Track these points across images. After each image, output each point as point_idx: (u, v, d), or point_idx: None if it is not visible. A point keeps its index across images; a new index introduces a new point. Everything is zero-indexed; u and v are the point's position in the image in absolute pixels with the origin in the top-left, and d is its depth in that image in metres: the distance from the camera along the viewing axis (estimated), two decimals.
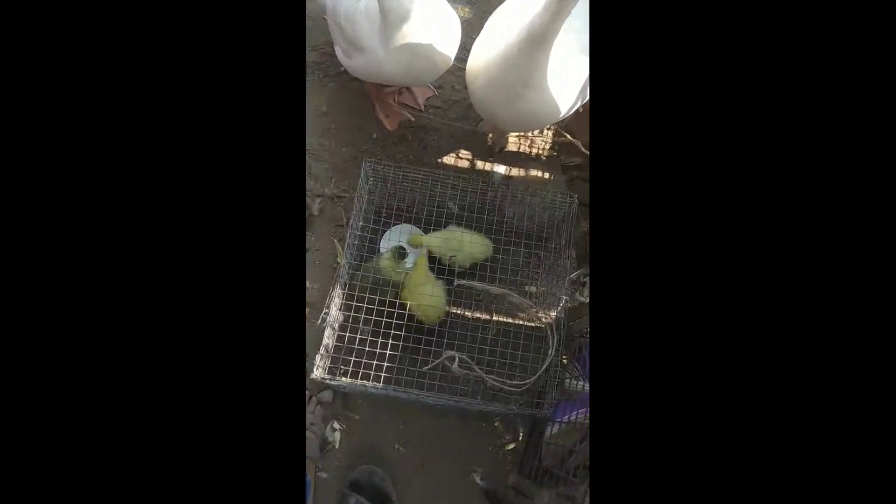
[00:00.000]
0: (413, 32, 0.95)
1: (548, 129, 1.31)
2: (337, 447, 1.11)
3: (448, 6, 1.02)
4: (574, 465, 0.99)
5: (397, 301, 1.05)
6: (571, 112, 1.02)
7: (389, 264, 1.07)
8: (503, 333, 1.09)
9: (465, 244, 1.08)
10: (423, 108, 1.33)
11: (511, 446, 1.11)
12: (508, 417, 1.13)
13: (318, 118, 1.30)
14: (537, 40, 0.82)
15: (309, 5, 1.31)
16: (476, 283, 1.08)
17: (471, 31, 1.19)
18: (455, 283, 1.09)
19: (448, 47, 1.02)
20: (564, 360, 1.05)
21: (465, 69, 1.02)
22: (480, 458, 1.10)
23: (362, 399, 1.13)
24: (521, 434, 1.13)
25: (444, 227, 1.14)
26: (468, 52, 1.01)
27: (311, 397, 1.10)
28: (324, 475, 1.08)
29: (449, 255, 1.10)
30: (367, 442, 1.11)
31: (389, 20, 0.93)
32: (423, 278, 1.07)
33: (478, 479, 1.08)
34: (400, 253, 1.10)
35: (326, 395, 1.12)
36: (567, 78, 0.93)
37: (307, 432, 1.07)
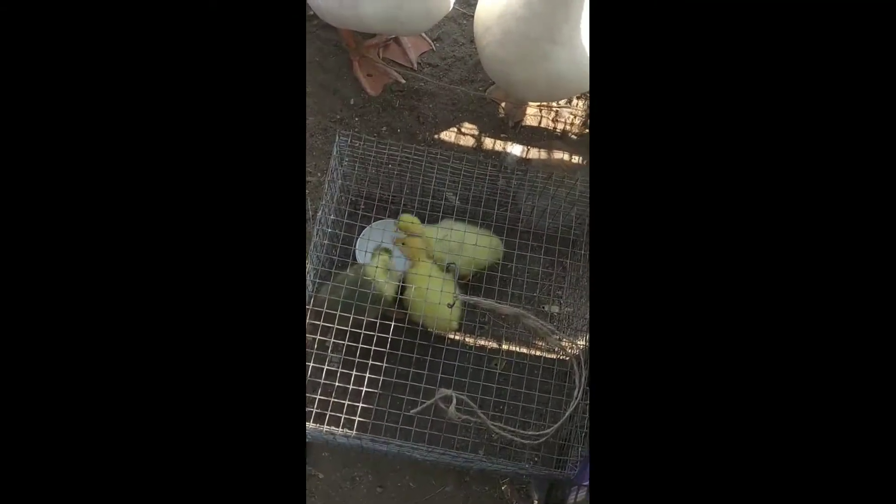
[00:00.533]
0: None
1: (578, 98, 1.24)
2: None
3: None
4: None
5: (377, 321, 0.95)
6: None
7: (380, 272, 0.98)
8: (515, 367, 1.04)
9: (467, 246, 0.99)
10: (415, 66, 1.25)
11: None
12: (520, 479, 1.04)
13: None
14: None
15: None
16: (481, 300, 0.99)
17: None
18: (453, 299, 0.97)
19: None
20: None
21: (472, 17, 1.03)
22: None
23: (329, 452, 1.03)
24: (535, 500, 1.03)
25: (440, 222, 1.04)
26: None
27: None
28: None
29: (447, 262, 1.00)
30: None
31: None
32: (429, 270, 0.99)
33: None
34: (383, 250, 1.03)
35: None
36: None
37: None
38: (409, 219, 1.02)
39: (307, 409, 0.95)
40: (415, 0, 0.94)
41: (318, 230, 0.95)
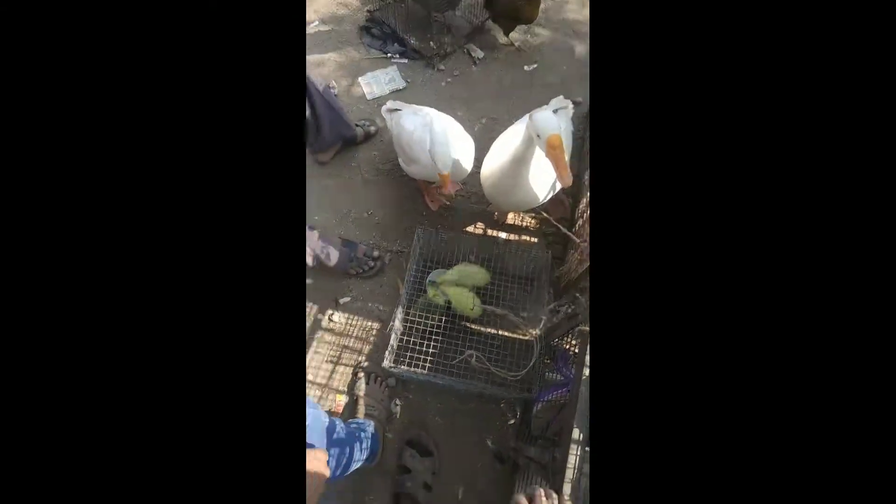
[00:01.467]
0: (449, 153, 1.31)
1: (532, 210, 1.58)
2: (398, 417, 1.40)
3: (468, 136, 1.42)
4: (553, 431, 1.14)
5: (435, 317, 1.36)
6: (547, 199, 1.36)
7: (432, 292, 1.40)
8: (505, 341, 1.35)
9: (473, 274, 1.40)
10: (454, 196, 1.67)
11: (511, 421, 1.36)
12: (509, 399, 1.36)
13: (393, 203, 1.66)
14: (520, 161, 1.18)
15: (385, 135, 1.85)
16: (487, 307, 1.37)
17: (480, 147, 1.53)
18: (479, 306, 1.37)
19: (468, 161, 1.41)
20: (547, 361, 1.29)
21: (479, 173, 1.36)
22: (491, 428, 1.35)
23: (414, 384, 1.41)
24: (517, 411, 1.36)
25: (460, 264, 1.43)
26: (481, 163, 1.38)
27: (381, 381, 1.46)
28: (389, 436, 1.38)
29: (471, 286, 1.39)
30: (417, 414, 1.39)
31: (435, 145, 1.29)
32: (462, 288, 1.38)
33: (489, 443, 1.34)
34: (433, 283, 1.42)
35: (391, 381, 1.44)
36: (542, 179, 1.29)
37: (381, 405, 1.38)
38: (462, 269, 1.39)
39: (404, 360, 1.25)
40: (457, 168, 1.33)
41: (407, 275, 1.36)
